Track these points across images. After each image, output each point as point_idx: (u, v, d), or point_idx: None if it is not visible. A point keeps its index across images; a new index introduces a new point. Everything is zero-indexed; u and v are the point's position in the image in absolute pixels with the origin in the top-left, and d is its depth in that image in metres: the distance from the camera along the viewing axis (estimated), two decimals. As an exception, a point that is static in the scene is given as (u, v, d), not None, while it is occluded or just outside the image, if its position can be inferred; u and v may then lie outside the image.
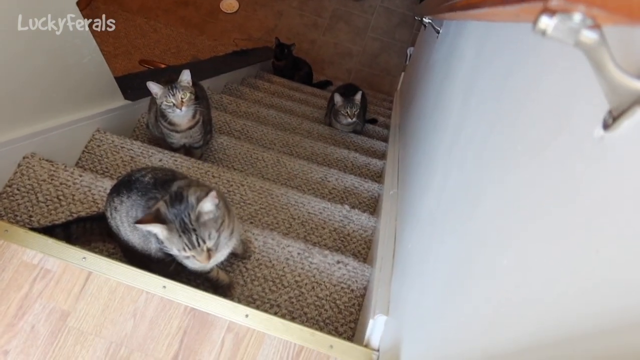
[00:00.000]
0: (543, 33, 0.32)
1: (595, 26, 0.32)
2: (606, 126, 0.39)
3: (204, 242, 0.96)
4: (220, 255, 1.09)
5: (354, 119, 2.35)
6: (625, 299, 0.33)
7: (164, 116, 1.63)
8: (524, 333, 0.46)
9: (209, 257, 0.98)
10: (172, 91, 1.54)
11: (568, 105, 0.49)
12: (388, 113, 3.22)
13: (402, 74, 3.53)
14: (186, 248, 0.96)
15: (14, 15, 1.19)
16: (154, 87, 1.54)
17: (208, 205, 0.95)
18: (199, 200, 0.94)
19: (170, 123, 1.66)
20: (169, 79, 1.60)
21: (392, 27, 4.17)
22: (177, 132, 1.70)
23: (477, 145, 0.82)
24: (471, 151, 0.85)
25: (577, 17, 0.30)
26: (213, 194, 0.94)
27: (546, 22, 0.32)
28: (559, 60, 0.53)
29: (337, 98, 2.35)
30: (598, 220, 0.39)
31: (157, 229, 0.95)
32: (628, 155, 0.37)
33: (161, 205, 0.96)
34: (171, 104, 1.55)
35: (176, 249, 0.97)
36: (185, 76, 1.56)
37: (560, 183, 0.46)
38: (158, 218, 0.95)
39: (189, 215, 0.94)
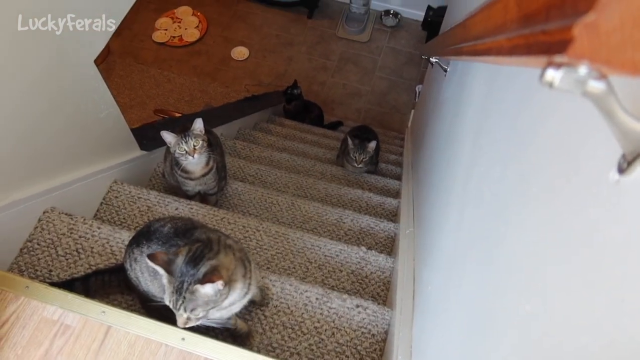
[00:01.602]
0: (550, 85, 0.33)
1: (602, 76, 0.32)
2: (621, 170, 0.38)
3: (185, 311, 0.95)
4: (236, 307, 1.08)
5: (360, 165, 2.35)
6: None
7: (178, 164, 1.66)
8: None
9: (186, 323, 0.97)
10: (185, 139, 1.57)
11: (580, 145, 0.49)
12: (400, 151, 3.24)
13: (412, 111, 3.56)
14: (171, 304, 0.96)
15: (39, 80, 1.25)
16: (168, 136, 1.58)
17: (208, 289, 0.93)
18: (205, 277, 0.93)
19: (184, 171, 1.69)
20: (183, 128, 1.64)
21: (399, 65, 4.25)
22: (191, 179, 1.72)
23: (492, 185, 0.81)
24: (487, 191, 0.84)
25: (582, 69, 0.30)
26: (219, 282, 0.92)
27: (552, 75, 0.32)
28: (565, 102, 0.53)
29: (350, 141, 2.35)
30: (619, 267, 0.38)
31: (162, 272, 0.95)
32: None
33: (181, 254, 0.96)
34: (184, 152, 1.58)
35: (166, 299, 0.97)
36: (198, 124, 1.60)
37: (578, 227, 0.46)
38: (168, 265, 0.95)
39: (190, 282, 0.93)
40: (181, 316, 0.96)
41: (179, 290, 0.94)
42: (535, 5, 0.34)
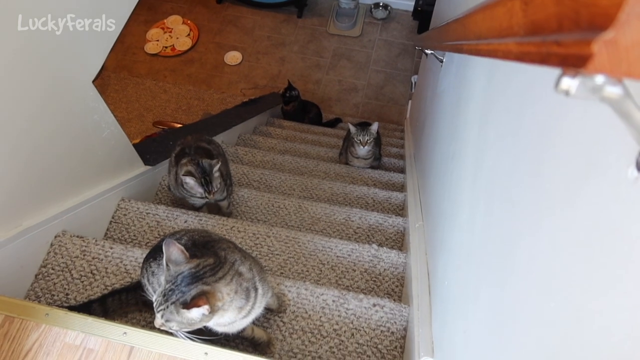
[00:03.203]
0: (566, 93, 0.33)
1: (618, 81, 0.32)
2: (640, 168, 0.38)
3: (162, 318, 0.92)
4: (237, 325, 1.07)
5: (366, 147, 2.37)
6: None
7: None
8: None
9: (161, 326, 0.93)
10: (208, 188, 1.61)
11: (595, 140, 0.48)
12: (400, 143, 3.24)
13: (410, 101, 3.56)
14: (155, 303, 0.93)
15: (40, 106, 1.25)
16: (190, 181, 1.59)
17: (194, 314, 0.90)
18: (192, 302, 0.89)
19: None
20: (183, 142, 1.66)
21: (393, 57, 4.24)
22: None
23: (502, 181, 0.81)
24: (497, 187, 0.84)
25: (599, 78, 0.30)
26: (205, 307, 0.89)
27: (568, 84, 0.32)
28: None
29: (352, 127, 2.41)
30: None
31: (164, 266, 0.94)
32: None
33: (191, 264, 0.94)
34: (205, 196, 1.65)
35: (155, 295, 0.95)
36: (216, 167, 1.61)
37: (598, 226, 0.46)
38: (174, 264, 0.93)
39: (177, 298, 0.90)
40: (158, 319, 0.94)
41: (166, 297, 0.91)
42: (543, 14, 0.34)
